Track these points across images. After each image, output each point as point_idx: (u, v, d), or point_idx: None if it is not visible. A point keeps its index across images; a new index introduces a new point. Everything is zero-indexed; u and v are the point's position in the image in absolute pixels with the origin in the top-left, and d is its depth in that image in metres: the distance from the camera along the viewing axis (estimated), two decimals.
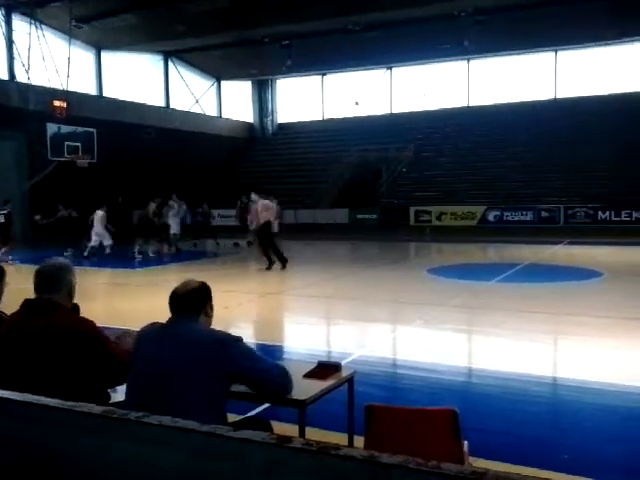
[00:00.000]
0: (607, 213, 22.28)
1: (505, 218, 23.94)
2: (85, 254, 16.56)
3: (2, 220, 15.78)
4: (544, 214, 23.43)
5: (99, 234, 17.03)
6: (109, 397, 2.91)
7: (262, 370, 2.62)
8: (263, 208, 13.97)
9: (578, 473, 3.44)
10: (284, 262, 13.33)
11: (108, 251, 17.08)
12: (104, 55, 28.22)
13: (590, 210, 22.55)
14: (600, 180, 23.07)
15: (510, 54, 30.11)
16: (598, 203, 22.36)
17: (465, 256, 15.76)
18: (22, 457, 1.79)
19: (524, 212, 23.86)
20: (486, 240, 19.77)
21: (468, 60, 31.30)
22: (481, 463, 3.09)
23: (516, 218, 23.89)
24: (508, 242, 18.93)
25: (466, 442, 2.83)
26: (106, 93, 28.15)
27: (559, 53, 29.79)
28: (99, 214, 17.24)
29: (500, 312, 8.90)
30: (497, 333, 7.64)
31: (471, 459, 2.89)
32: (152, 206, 18.53)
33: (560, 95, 29.77)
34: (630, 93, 27.35)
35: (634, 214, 21.53)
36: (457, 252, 17.10)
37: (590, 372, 5.63)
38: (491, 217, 24.23)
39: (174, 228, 18.32)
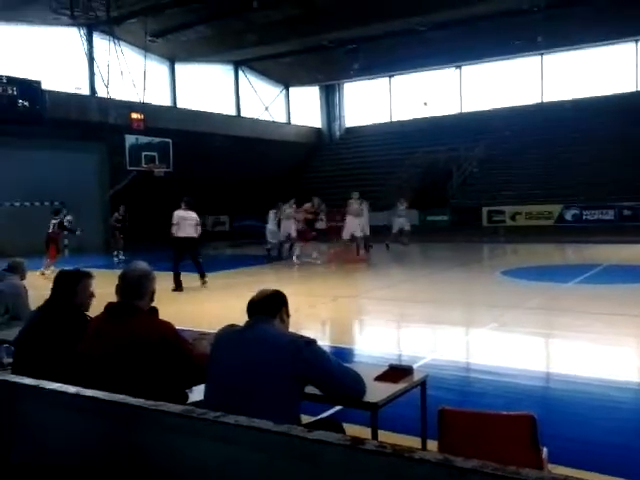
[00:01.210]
0: None
1: (584, 217, 22.97)
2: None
3: (50, 230, 15.37)
4: (626, 212, 22.32)
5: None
6: (187, 397, 3.01)
7: (335, 373, 2.65)
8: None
9: None
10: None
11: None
12: (178, 67, 29.23)
13: None
14: None
15: (584, 47, 28.92)
16: None
17: (541, 257, 15.24)
18: (109, 453, 1.89)
19: (604, 210, 22.80)
20: (563, 240, 19.07)
21: (541, 55, 30.32)
22: (561, 470, 2.98)
23: (595, 217, 22.87)
24: (587, 242, 18.18)
25: (545, 449, 2.74)
26: (180, 104, 29.13)
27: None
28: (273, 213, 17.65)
29: (578, 315, 8.56)
30: (575, 336, 7.35)
31: (550, 466, 2.80)
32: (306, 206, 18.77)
33: (630, 89, 28.31)
34: None
35: None
36: (532, 253, 16.57)
37: None
38: (569, 216, 23.31)
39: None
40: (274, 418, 1.63)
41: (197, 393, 2.94)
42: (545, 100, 30.57)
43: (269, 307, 2.71)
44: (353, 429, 3.32)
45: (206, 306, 10.02)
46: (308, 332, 7.77)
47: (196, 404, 2.59)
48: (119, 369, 2.68)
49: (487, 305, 9.46)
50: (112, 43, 23.94)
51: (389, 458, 1.46)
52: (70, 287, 3.33)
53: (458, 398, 5.08)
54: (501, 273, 12.55)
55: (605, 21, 24.04)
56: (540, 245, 17.84)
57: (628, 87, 28.54)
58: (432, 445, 2.83)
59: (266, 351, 2.52)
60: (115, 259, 18.02)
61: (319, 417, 3.32)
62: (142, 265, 3.02)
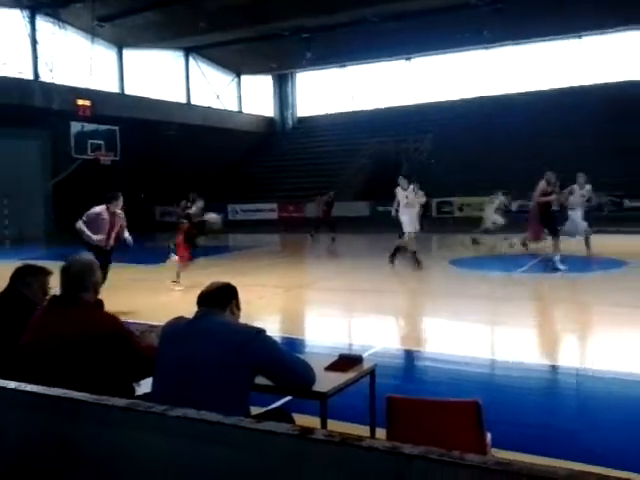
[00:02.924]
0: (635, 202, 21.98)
1: (530, 208, 23.64)
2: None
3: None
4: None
5: None
6: (134, 390, 2.96)
7: (285, 363, 2.65)
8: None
9: (601, 464, 3.41)
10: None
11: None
12: (126, 53, 28.49)
13: (617, 198, 22.15)
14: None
15: (530, 42, 29.66)
16: (621, 191, 22.05)
17: (488, 248, 15.59)
18: (47, 449, 1.84)
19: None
20: (510, 231, 19.52)
21: (487, 49, 30.92)
22: (504, 454, 3.08)
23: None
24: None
25: (489, 434, 2.82)
26: (128, 91, 28.42)
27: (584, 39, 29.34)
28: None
29: (522, 303, 8.83)
30: (519, 324, 7.57)
31: (494, 451, 2.88)
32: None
33: (575, 83, 29.21)
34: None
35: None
36: (480, 243, 16.91)
37: (615, 363, 5.56)
38: (515, 207, 23.94)
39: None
40: (223, 410, 1.62)
41: (145, 387, 2.89)
42: (493, 93, 31.19)
43: (219, 299, 2.69)
44: (303, 419, 3.33)
45: (161, 298, 9.85)
46: (259, 323, 7.75)
47: (143, 397, 2.55)
48: (62, 362, 2.61)
49: (436, 294, 9.64)
50: (57, 26, 23.13)
51: (338, 447, 1.47)
52: (24, 281, 3.26)
53: (407, 386, 5.17)
54: (449, 263, 12.80)
55: (549, 17, 24.71)
56: (487, 235, 18.19)
57: (572, 81, 29.42)
58: (382, 433, 2.87)
59: (215, 342, 2.50)
60: None
61: (269, 408, 3.32)
62: (84, 257, 2.94)
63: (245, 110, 35.81)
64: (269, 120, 37.14)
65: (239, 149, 32.78)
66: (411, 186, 12.43)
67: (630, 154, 22.35)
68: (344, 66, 34.85)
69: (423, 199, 14.49)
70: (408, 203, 12.06)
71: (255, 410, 2.93)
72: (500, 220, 16.34)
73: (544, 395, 4.95)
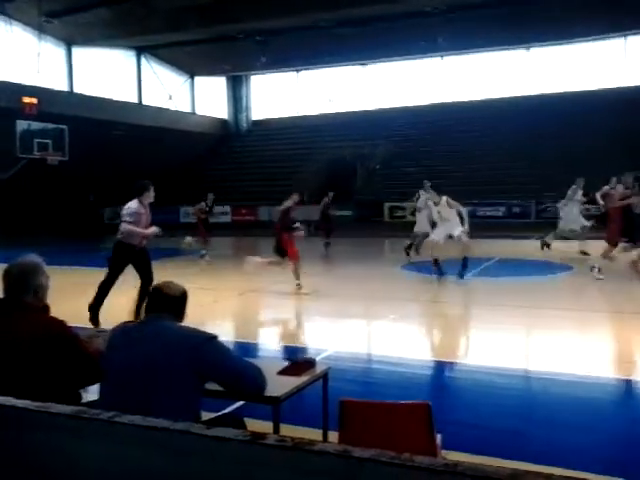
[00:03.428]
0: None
1: (477, 213, 24.20)
2: None
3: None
4: (515, 209, 23.74)
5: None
6: (80, 397, 2.88)
7: (235, 368, 2.63)
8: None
9: (550, 463, 3.51)
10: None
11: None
12: (75, 50, 27.80)
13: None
14: (569, 175, 23.44)
15: (483, 51, 30.39)
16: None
17: (439, 251, 15.86)
18: None
19: (496, 207, 24.16)
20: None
21: (442, 57, 31.51)
22: (454, 455, 3.13)
23: (488, 213, 24.16)
24: (480, 237, 19.12)
25: (439, 435, 2.86)
26: (77, 89, 27.73)
27: (532, 50, 30.23)
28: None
29: (472, 306, 9.01)
30: (468, 327, 7.72)
31: (444, 452, 2.93)
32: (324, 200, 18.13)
33: (527, 92, 30.09)
34: (594, 90, 27.85)
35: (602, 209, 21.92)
36: (430, 248, 17.21)
37: (561, 364, 5.73)
38: (464, 212, 24.45)
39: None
40: (172, 416, 1.59)
41: (92, 394, 2.82)
42: (449, 100, 31.77)
43: (171, 304, 2.64)
44: (256, 424, 3.31)
45: (109, 302, 9.59)
46: (212, 327, 7.66)
47: (91, 404, 2.49)
48: (7, 369, 2.52)
49: (388, 298, 9.74)
50: (2, 22, 22.38)
51: (290, 452, 1.47)
52: None
53: (360, 389, 5.20)
54: (401, 267, 12.95)
55: (499, 28, 25.40)
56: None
57: (523, 91, 30.20)
58: (335, 436, 2.88)
59: (165, 347, 2.46)
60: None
61: (220, 413, 3.28)
62: (29, 259, 2.83)
63: (199, 112, 35.45)
64: (223, 122, 36.88)
65: (192, 151, 32.42)
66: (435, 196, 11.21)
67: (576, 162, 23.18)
68: (299, 70, 34.93)
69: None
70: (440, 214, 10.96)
71: (208, 416, 2.89)
72: (586, 223, 14.18)
73: (493, 396, 5.06)
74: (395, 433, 2.72)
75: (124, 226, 7.42)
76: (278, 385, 2.88)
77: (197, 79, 35.36)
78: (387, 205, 26.12)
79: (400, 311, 8.56)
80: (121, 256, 7.41)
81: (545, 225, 20.26)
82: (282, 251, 10.09)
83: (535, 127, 26.11)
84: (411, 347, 6.67)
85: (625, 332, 7.22)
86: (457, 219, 10.76)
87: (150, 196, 7.71)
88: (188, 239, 15.98)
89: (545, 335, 7.17)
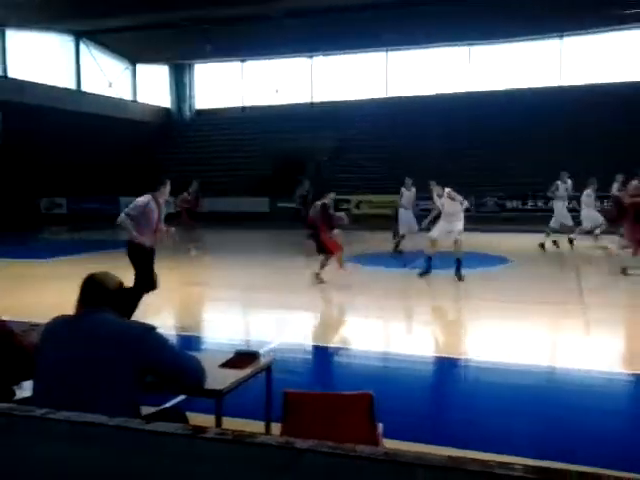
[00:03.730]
0: (514, 202, 23.47)
1: (421, 207, 24.61)
2: None
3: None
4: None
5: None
6: (14, 394, 2.78)
7: (176, 361, 2.59)
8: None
9: (488, 450, 3.62)
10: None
11: None
12: (9, 34, 26.62)
13: (499, 200, 23.64)
14: (508, 171, 24.16)
15: (428, 47, 30.83)
16: (504, 193, 23.51)
17: (384, 244, 16.07)
18: None
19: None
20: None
21: (387, 51, 31.78)
22: (394, 444, 3.18)
23: (430, 207, 24.60)
24: (423, 230, 19.47)
25: (381, 425, 2.91)
26: (12, 74, 26.58)
27: (473, 47, 30.87)
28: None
29: (416, 298, 9.18)
30: (412, 318, 7.87)
31: (385, 441, 2.98)
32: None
33: (468, 89, 30.72)
34: (533, 88, 28.70)
35: (539, 203, 22.68)
36: (377, 240, 17.42)
37: (500, 353, 5.92)
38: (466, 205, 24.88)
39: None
40: (111, 411, 1.55)
41: (27, 390, 2.72)
42: (390, 95, 32.09)
43: (105, 296, 2.57)
44: (199, 418, 3.28)
45: (45, 295, 9.30)
46: (153, 319, 7.53)
47: (24, 401, 2.40)
48: None
49: (334, 290, 9.79)
50: None
51: (231, 445, 1.46)
52: None
53: (304, 380, 5.22)
54: (346, 259, 13.04)
55: (442, 25, 25.84)
56: (383, 233, 18.75)
57: (467, 87, 30.74)
58: (279, 428, 2.88)
59: (103, 341, 2.40)
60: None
61: (161, 407, 3.23)
62: None
63: (140, 100, 34.60)
64: (166, 111, 36.11)
65: (133, 140, 31.60)
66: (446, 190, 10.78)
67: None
68: (244, 60, 34.56)
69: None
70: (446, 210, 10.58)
71: (148, 410, 2.84)
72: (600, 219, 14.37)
73: (433, 386, 5.18)
74: (338, 423, 2.75)
75: (120, 216, 6.94)
76: (220, 378, 2.86)
77: (139, 66, 34.47)
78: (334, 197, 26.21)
79: (346, 303, 8.63)
80: (138, 254, 6.93)
81: (484, 219, 20.86)
82: (323, 249, 10.02)
83: (480, 122, 26.64)
84: (355, 338, 6.74)
85: (545, 320, 7.52)
86: (461, 214, 10.49)
87: (165, 192, 7.26)
88: (193, 252, 14.43)
89: (485, 325, 7.38)
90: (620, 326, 7.51)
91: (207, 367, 2.80)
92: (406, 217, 14.14)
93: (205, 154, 30.27)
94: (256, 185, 27.67)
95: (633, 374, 5.42)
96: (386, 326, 7.84)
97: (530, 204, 23.10)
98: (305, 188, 18.55)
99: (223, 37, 27.71)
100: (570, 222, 14.08)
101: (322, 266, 9.99)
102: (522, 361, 5.68)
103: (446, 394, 4.96)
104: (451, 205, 10.36)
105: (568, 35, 28.88)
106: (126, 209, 6.94)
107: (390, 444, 2.98)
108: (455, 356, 6.07)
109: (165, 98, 36.18)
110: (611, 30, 27.50)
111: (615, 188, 13.83)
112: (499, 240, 16.29)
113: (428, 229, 10.52)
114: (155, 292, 9.22)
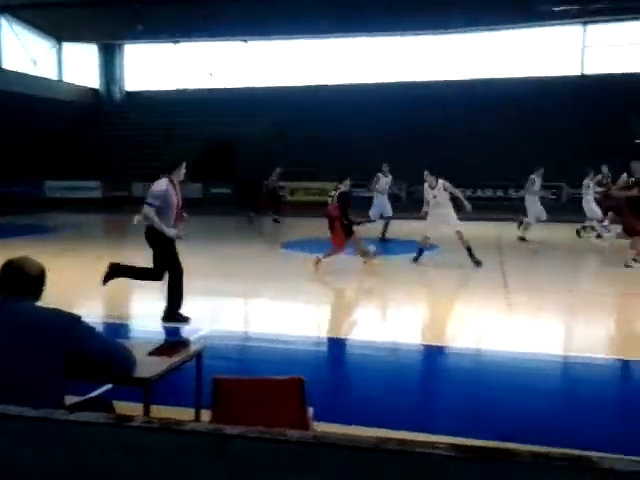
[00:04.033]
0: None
1: (354, 194, 24.86)
2: None
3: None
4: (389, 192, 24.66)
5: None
6: None
7: (104, 349, 2.54)
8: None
9: (415, 429, 3.74)
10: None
11: None
12: None
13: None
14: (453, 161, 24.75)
15: (365, 35, 31.02)
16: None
17: (318, 231, 16.14)
18: None
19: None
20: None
21: (325, 38, 31.78)
22: (325, 427, 3.24)
23: (362, 195, 24.90)
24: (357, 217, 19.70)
25: (311, 408, 2.95)
26: None
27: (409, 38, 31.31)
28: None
29: (350, 283, 9.30)
30: (342, 303, 7.98)
31: (316, 424, 3.02)
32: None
33: (405, 78, 31.20)
34: (469, 80, 29.46)
35: (479, 192, 23.33)
36: (310, 227, 17.47)
37: (427, 336, 6.10)
38: (460, 195, 25.02)
39: None
40: (35, 402, 1.51)
41: None
42: (327, 82, 32.09)
43: (30, 285, 2.47)
44: (127, 407, 3.22)
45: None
46: (81, 307, 7.31)
47: None
48: None
49: (267, 277, 9.79)
50: None
51: (158, 433, 1.45)
52: None
53: (236, 367, 5.21)
54: (281, 246, 13.06)
55: (379, 14, 26.03)
56: (317, 220, 18.84)
57: (403, 77, 31.08)
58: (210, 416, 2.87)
59: (27, 330, 2.31)
60: None
61: (87, 397, 3.15)
62: None
63: (67, 79, 33.18)
64: (94, 92, 34.80)
65: (59, 121, 30.30)
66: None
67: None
68: (177, 42, 33.72)
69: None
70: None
71: (73, 400, 2.76)
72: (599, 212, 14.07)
73: (363, 368, 5.28)
74: (268, 409, 2.77)
75: (145, 209, 6.42)
76: (148, 366, 2.82)
77: (66, 45, 33.01)
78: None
79: (278, 289, 8.65)
80: (160, 242, 6.45)
81: (414, 207, 21.28)
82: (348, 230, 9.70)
83: (414, 112, 27.05)
84: (287, 324, 6.77)
85: (449, 306, 7.82)
86: (451, 205, 10.39)
87: (181, 174, 6.74)
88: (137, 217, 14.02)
89: (408, 309, 7.57)
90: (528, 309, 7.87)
91: (136, 355, 2.75)
92: (380, 202, 14.16)
93: (136, 137, 29.44)
94: (189, 170, 27.12)
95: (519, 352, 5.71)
96: (317, 311, 7.92)
97: (479, 193, 23.56)
98: (278, 173, 18.46)
99: (155, 17, 26.90)
100: (544, 217, 13.75)
101: (325, 255, 9.64)
102: (452, 343, 5.87)
103: (375, 377, 5.07)
104: (443, 197, 10.27)
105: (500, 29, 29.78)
106: (148, 199, 6.43)
107: (321, 427, 3.02)
108: (385, 340, 6.20)
109: (94, 79, 34.86)
110: (541, 26, 28.60)
111: (591, 182, 13.89)
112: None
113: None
114: (82, 277, 8.95)
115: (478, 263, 10.03)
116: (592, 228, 14.14)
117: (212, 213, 21.20)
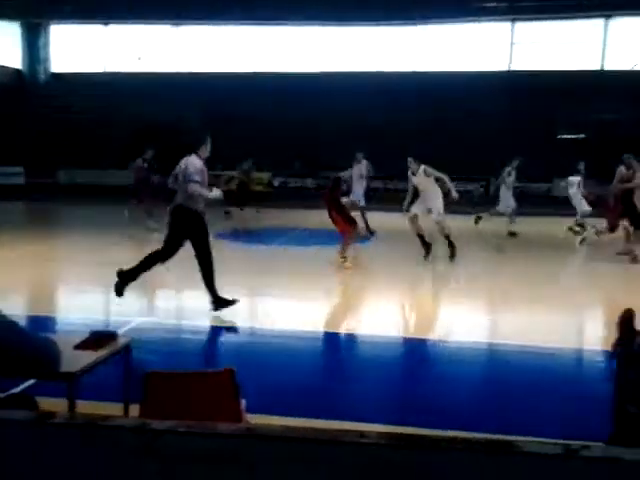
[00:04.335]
0: (377, 182, 24.48)
1: (288, 185, 24.90)
2: None
3: None
4: (323, 182, 24.82)
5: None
6: None
7: (28, 343, 2.43)
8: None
9: (350, 419, 3.79)
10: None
11: None
12: None
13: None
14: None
15: (300, 24, 30.91)
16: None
17: (250, 221, 16.05)
18: None
19: (305, 179, 25.08)
20: (271, 205, 20.33)
21: (259, 25, 31.44)
22: (260, 419, 3.23)
23: (299, 184, 25.00)
24: (291, 207, 19.74)
25: (244, 400, 2.93)
26: None
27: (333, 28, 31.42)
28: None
29: (278, 274, 9.31)
30: (275, 294, 7.98)
31: (250, 416, 3.01)
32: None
33: (339, 69, 31.28)
34: (389, 72, 29.84)
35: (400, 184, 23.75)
36: (242, 217, 17.33)
37: (356, 325, 6.18)
38: (277, 183, 24.97)
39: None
40: None
41: None
42: (261, 70, 31.76)
43: None
44: (52, 403, 3.11)
45: None
46: (1, 301, 6.97)
47: None
48: None
49: (196, 267, 9.63)
50: None
51: (81, 429, 1.41)
52: None
53: (167, 360, 5.12)
54: (214, 236, 12.87)
55: (314, 3, 26.03)
56: (249, 210, 18.66)
57: (338, 67, 30.95)
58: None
59: None
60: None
61: (8, 394, 3.02)
62: None
63: None
64: (16, 73, 33.09)
65: None
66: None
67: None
68: (107, 24, 32.54)
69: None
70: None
71: None
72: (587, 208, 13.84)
73: (295, 358, 5.30)
74: (200, 402, 2.74)
75: (193, 187, 6.12)
76: (74, 360, 2.73)
77: None
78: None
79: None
80: (183, 224, 6.21)
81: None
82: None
83: (339, 102, 27.14)
84: (219, 315, 6.71)
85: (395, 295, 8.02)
86: (436, 189, 9.82)
87: (207, 150, 6.45)
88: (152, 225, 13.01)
89: (344, 299, 7.67)
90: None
91: (61, 349, 2.66)
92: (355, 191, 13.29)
93: (63, 121, 28.24)
94: (120, 156, 26.32)
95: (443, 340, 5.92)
96: (249, 301, 7.88)
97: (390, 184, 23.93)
98: (249, 163, 18.05)
99: None
100: (514, 206, 13.62)
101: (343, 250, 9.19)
102: (387, 333, 5.98)
103: (309, 366, 5.10)
104: (426, 182, 9.75)
105: (427, 23, 30.33)
106: (190, 177, 6.16)
107: (255, 420, 3.01)
108: (316, 329, 6.24)
109: (16, 59, 33.13)
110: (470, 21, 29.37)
111: (508, 174, 13.69)
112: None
113: (407, 210, 10.02)
114: (11, 269, 8.54)
115: (453, 255, 9.82)
116: (581, 225, 13.68)
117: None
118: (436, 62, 30.13)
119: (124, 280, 6.43)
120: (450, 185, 9.73)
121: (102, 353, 2.93)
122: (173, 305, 7.52)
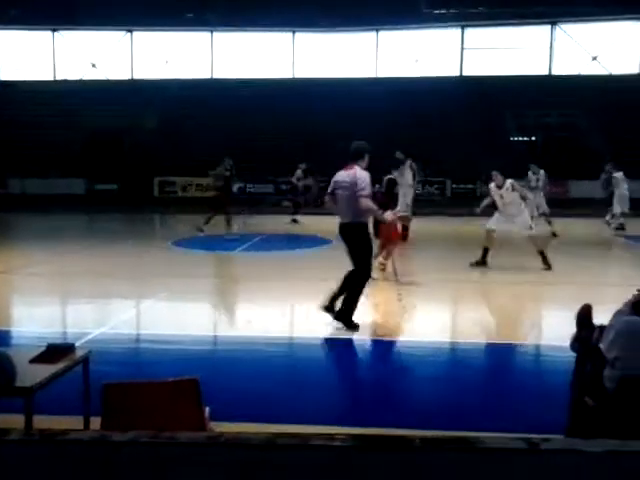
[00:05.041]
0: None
1: (248, 190, 24.77)
2: None
3: None
4: (283, 187, 24.77)
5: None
6: None
7: None
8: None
9: (307, 422, 3.78)
10: None
11: None
12: None
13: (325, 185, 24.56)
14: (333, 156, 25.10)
15: (253, 30, 30.86)
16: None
17: (211, 228, 15.91)
18: None
19: (267, 185, 25.02)
20: (231, 211, 20.10)
21: (211, 32, 31.27)
22: (223, 427, 3.19)
23: (260, 190, 24.91)
24: (252, 213, 19.62)
25: (207, 408, 2.90)
26: None
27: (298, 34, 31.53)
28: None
29: (241, 280, 9.25)
30: (236, 301, 7.92)
31: (213, 424, 2.97)
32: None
33: (294, 75, 31.41)
34: (350, 78, 30.11)
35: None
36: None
37: (310, 329, 6.16)
38: (234, 189, 24.78)
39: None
40: None
41: None
42: (217, 76, 31.57)
43: None
44: (7, 419, 3.01)
45: None
46: None
47: None
48: None
49: (158, 275, 9.51)
50: None
51: (39, 445, 1.36)
52: None
53: (128, 371, 5.02)
54: (172, 244, 12.72)
55: (267, 10, 26.04)
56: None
57: (292, 73, 31.29)
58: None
59: None
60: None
61: None
62: None
63: None
64: None
65: None
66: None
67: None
68: (56, 30, 31.84)
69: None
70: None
71: None
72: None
73: (258, 365, 5.26)
74: (163, 411, 2.70)
75: (364, 202, 5.78)
76: (30, 374, 2.65)
77: None
78: (157, 180, 25.38)
79: (170, 288, 8.41)
80: (365, 237, 5.98)
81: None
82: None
83: (297, 108, 27.21)
84: (180, 324, 6.61)
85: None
86: (522, 206, 9.60)
87: (366, 162, 6.03)
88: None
89: (300, 303, 7.65)
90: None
91: (16, 363, 2.58)
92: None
93: (12, 130, 27.43)
94: (71, 165, 25.74)
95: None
96: (212, 309, 7.81)
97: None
98: (226, 166, 17.63)
99: (32, 3, 25.23)
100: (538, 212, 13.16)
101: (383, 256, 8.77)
102: (335, 335, 6.00)
103: (270, 372, 5.07)
104: (512, 197, 9.56)
105: (383, 30, 30.72)
106: (363, 191, 5.78)
107: (218, 427, 2.98)
108: (279, 334, 6.21)
109: None
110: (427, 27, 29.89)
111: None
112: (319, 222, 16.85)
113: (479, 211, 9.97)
114: None
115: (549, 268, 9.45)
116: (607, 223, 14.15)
117: (97, 211, 20.35)
118: (389, 68, 30.61)
119: (346, 319, 6.06)
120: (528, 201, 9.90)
121: (60, 366, 2.86)
122: (135, 314, 7.38)
